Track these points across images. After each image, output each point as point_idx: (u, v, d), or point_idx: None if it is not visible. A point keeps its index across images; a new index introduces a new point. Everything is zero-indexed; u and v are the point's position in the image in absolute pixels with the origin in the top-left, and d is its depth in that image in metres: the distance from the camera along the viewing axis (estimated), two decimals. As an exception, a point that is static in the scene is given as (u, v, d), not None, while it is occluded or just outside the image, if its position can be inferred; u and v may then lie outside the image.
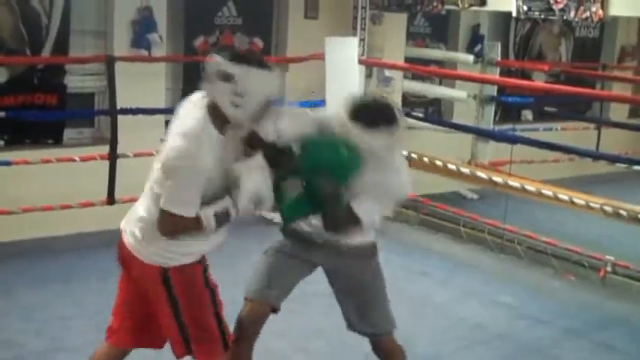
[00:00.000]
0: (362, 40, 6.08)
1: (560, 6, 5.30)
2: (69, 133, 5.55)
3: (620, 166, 6.37)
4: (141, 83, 5.31)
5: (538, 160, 6.60)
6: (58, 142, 5.48)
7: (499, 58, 6.56)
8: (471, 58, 6.52)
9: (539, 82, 7.28)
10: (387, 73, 6.18)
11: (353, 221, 2.75)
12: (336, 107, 2.86)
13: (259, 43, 6.20)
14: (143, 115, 5.22)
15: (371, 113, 2.69)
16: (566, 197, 5.09)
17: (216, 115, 2.53)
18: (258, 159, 2.58)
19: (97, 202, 5.13)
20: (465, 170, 5.83)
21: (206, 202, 2.54)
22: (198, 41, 5.94)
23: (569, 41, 8.27)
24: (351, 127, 2.66)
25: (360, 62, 5.96)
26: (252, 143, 2.62)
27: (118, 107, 5.14)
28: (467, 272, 5.23)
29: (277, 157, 2.62)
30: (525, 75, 7.52)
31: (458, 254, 5.51)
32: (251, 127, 2.59)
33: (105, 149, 5.17)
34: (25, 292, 4.51)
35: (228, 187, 2.57)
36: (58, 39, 5.36)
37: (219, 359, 2.74)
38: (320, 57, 5.78)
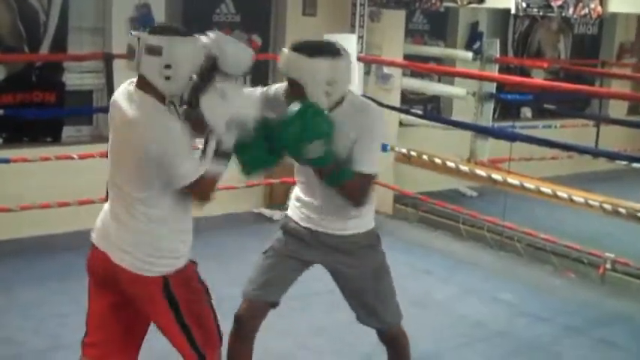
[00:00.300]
0: (360, 37, 6.06)
1: (559, 3, 5.29)
2: (67, 131, 5.54)
3: (620, 163, 6.37)
4: (139, 81, 5.30)
5: (537, 157, 6.60)
6: (56, 139, 5.48)
7: (498, 55, 6.54)
8: (469, 55, 6.50)
9: (538, 79, 7.28)
10: (386, 70, 6.17)
11: (347, 172, 2.69)
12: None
13: (258, 40, 6.19)
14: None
15: (312, 44, 2.71)
16: (565, 195, 5.09)
17: (150, 91, 2.52)
18: (219, 88, 2.52)
19: (95, 199, 5.11)
20: (464, 168, 5.82)
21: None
22: (197, 38, 5.93)
23: (568, 38, 8.27)
24: (293, 57, 2.67)
25: (359, 59, 5.94)
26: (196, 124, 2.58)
27: (117, 105, 5.13)
28: (467, 270, 5.23)
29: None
30: (524, 72, 7.51)
31: (457, 252, 5.50)
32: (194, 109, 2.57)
33: (104, 147, 5.07)
34: (23, 289, 4.51)
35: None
36: (56, 36, 5.35)
37: (216, 352, 2.73)
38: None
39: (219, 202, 6.00)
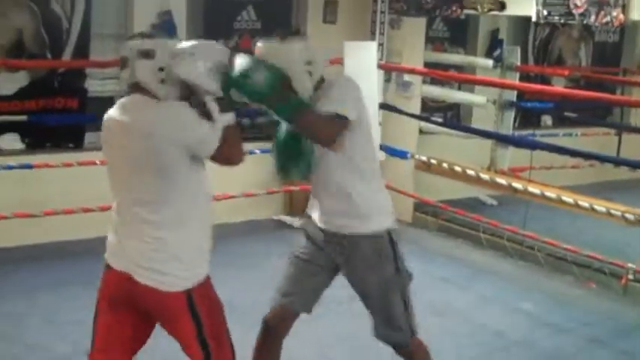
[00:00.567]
0: (381, 44, 6.07)
1: (581, 10, 5.27)
2: (89, 137, 5.56)
3: (642, 172, 6.32)
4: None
5: (557, 166, 6.56)
6: (78, 145, 5.52)
7: (519, 63, 6.52)
8: (490, 62, 6.48)
9: (558, 87, 7.24)
10: (406, 77, 6.16)
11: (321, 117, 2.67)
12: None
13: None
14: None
15: (280, 31, 2.76)
16: (586, 204, 5.06)
17: (145, 95, 2.54)
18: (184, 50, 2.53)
19: (116, 205, 5.14)
20: (485, 176, 5.80)
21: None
22: (218, 45, 5.96)
23: (589, 46, 8.22)
24: (267, 45, 2.71)
25: (379, 67, 5.95)
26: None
27: (138, 111, 5.15)
28: (487, 279, 5.20)
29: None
30: (545, 80, 7.48)
31: (477, 261, 5.48)
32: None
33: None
34: (45, 295, 4.54)
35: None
36: (79, 43, 5.40)
37: None
38: (339, 62, 5.78)
39: (239, 209, 6.05)
